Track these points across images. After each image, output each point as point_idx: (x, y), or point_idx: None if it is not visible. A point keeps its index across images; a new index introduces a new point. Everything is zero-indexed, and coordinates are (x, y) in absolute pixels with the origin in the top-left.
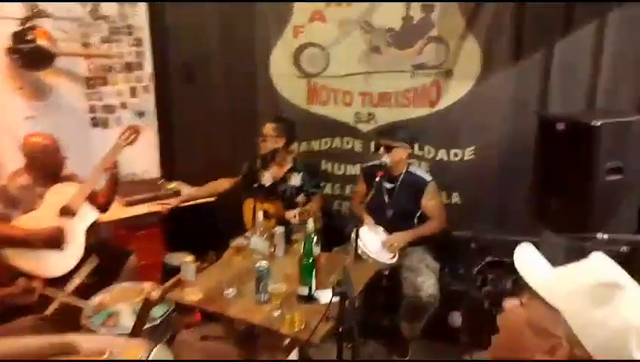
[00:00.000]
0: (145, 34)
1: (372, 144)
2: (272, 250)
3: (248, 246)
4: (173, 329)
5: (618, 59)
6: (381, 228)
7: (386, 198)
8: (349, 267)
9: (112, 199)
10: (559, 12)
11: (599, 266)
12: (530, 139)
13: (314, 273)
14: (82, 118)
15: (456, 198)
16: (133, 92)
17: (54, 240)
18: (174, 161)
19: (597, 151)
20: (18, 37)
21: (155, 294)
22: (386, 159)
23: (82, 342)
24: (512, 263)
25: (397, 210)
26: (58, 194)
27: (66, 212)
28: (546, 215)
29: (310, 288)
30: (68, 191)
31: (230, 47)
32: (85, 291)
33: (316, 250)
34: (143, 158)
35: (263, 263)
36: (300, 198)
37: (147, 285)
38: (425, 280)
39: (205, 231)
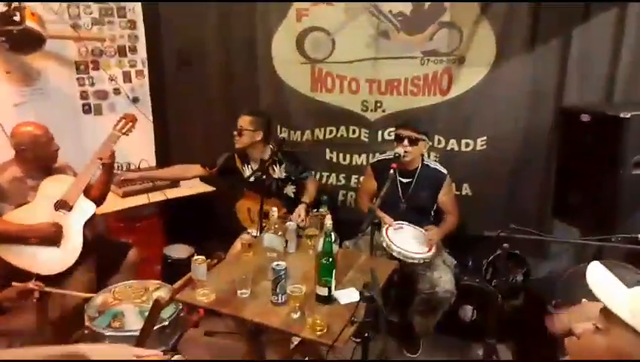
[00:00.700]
0: (138, 16)
1: (395, 134)
2: (284, 245)
3: (257, 243)
4: (182, 329)
5: (638, 49)
6: (405, 223)
7: (400, 193)
8: (374, 268)
9: (106, 191)
10: None
11: None
12: (546, 130)
13: (334, 273)
14: (73, 105)
15: (466, 190)
16: (126, 77)
17: (51, 237)
18: (170, 150)
19: (625, 144)
20: (4, 18)
21: (165, 296)
22: (400, 150)
23: (91, 352)
24: (522, 256)
25: (412, 205)
26: (52, 187)
27: (62, 206)
28: (566, 210)
29: (330, 288)
30: (62, 183)
31: (229, 31)
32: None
33: (334, 248)
34: (139, 147)
35: (281, 263)
36: (289, 189)
37: (151, 283)
38: (441, 275)
39: (203, 222)
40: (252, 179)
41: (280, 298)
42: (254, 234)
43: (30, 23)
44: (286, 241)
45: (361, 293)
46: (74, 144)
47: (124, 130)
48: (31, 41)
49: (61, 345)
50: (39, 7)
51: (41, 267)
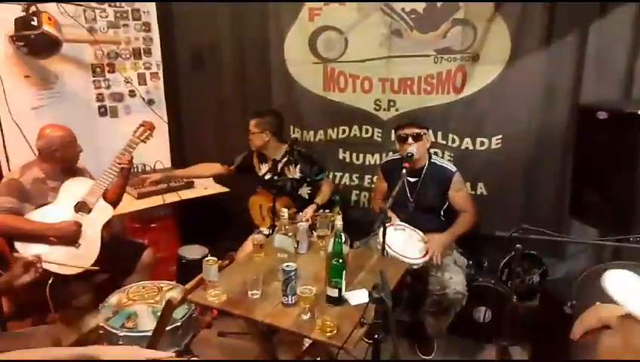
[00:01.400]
0: (153, 19)
1: (397, 135)
2: (295, 246)
3: (268, 243)
4: (195, 330)
5: None
6: (408, 226)
7: (408, 193)
8: (384, 269)
9: (122, 194)
10: None
11: None
12: (562, 129)
13: (344, 274)
14: (89, 107)
15: (481, 189)
16: (141, 79)
17: (71, 236)
18: (184, 151)
19: None
20: (22, 23)
21: (177, 296)
22: (412, 149)
23: (104, 353)
24: (539, 256)
25: (420, 205)
26: (74, 189)
27: (82, 208)
28: (583, 210)
29: (340, 289)
30: (81, 185)
31: (242, 32)
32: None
33: (345, 248)
34: (154, 149)
35: (291, 264)
36: (304, 191)
37: (164, 284)
38: (452, 276)
39: (218, 222)
40: (267, 176)
41: (290, 299)
42: (266, 232)
43: (47, 28)
44: (297, 242)
45: (370, 294)
46: (90, 146)
47: (142, 137)
48: (48, 46)
49: (76, 347)
50: (56, 11)
51: (62, 268)
